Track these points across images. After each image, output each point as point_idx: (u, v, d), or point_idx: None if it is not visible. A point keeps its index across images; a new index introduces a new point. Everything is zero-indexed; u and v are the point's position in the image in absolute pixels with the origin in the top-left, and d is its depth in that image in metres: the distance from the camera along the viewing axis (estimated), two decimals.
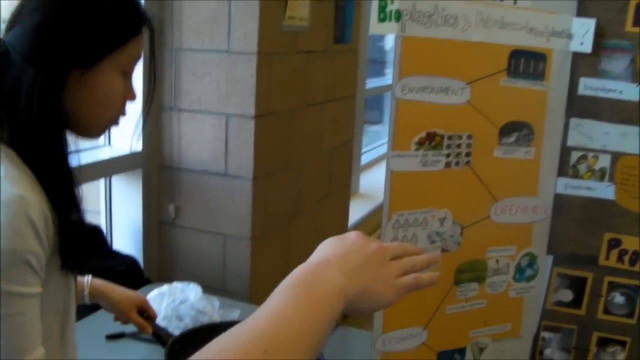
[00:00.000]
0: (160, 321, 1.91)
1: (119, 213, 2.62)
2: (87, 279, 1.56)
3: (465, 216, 1.59)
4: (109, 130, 1.25)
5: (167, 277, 2.66)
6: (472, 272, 1.62)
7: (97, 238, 2.44)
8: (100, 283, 1.58)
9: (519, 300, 1.70)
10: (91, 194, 2.67)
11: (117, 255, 2.38)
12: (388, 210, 1.52)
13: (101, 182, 2.60)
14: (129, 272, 2.33)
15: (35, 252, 0.99)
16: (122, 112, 1.18)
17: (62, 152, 1.10)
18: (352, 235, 0.86)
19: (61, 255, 1.08)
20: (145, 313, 1.66)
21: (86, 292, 1.53)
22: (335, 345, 1.93)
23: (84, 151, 2.41)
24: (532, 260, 1.68)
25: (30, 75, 1.03)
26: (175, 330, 1.90)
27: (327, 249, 0.84)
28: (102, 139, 2.52)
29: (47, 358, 1.06)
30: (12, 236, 0.96)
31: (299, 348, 0.69)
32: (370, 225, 4.47)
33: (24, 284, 0.98)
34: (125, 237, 2.62)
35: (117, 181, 2.60)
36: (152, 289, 2.04)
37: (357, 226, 4.13)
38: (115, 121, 1.18)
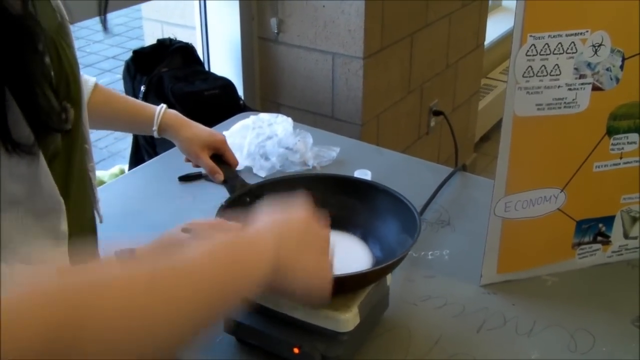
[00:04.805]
0: (243, 161, 1.65)
1: (214, 27, 2.34)
2: (160, 109, 1.27)
3: (629, 42, 1.16)
4: None
5: (268, 102, 2.41)
6: (632, 118, 1.21)
7: (189, 55, 2.18)
8: (172, 116, 1.28)
9: None
10: (184, 5, 2.41)
11: (209, 78, 2.11)
12: (521, 29, 1.12)
13: None
14: (221, 97, 2.06)
15: None
16: None
17: None
18: (299, 214, 0.81)
19: None
20: (223, 157, 1.33)
21: (155, 127, 1.25)
22: (455, 192, 1.59)
23: None
24: None
25: None
26: (260, 171, 1.63)
27: (270, 218, 0.79)
28: None
29: None
30: None
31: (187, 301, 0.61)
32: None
33: None
34: (222, 55, 2.35)
35: None
36: (246, 116, 1.76)
37: (495, 45, 3.63)
38: None
